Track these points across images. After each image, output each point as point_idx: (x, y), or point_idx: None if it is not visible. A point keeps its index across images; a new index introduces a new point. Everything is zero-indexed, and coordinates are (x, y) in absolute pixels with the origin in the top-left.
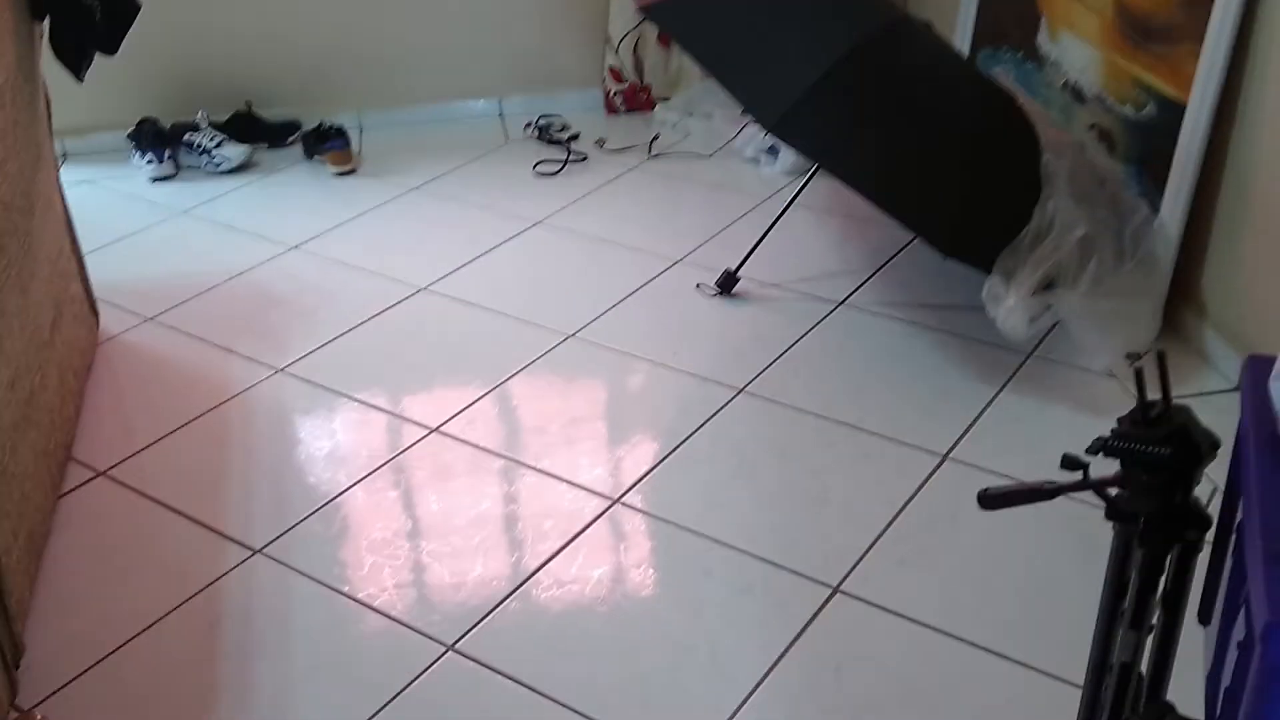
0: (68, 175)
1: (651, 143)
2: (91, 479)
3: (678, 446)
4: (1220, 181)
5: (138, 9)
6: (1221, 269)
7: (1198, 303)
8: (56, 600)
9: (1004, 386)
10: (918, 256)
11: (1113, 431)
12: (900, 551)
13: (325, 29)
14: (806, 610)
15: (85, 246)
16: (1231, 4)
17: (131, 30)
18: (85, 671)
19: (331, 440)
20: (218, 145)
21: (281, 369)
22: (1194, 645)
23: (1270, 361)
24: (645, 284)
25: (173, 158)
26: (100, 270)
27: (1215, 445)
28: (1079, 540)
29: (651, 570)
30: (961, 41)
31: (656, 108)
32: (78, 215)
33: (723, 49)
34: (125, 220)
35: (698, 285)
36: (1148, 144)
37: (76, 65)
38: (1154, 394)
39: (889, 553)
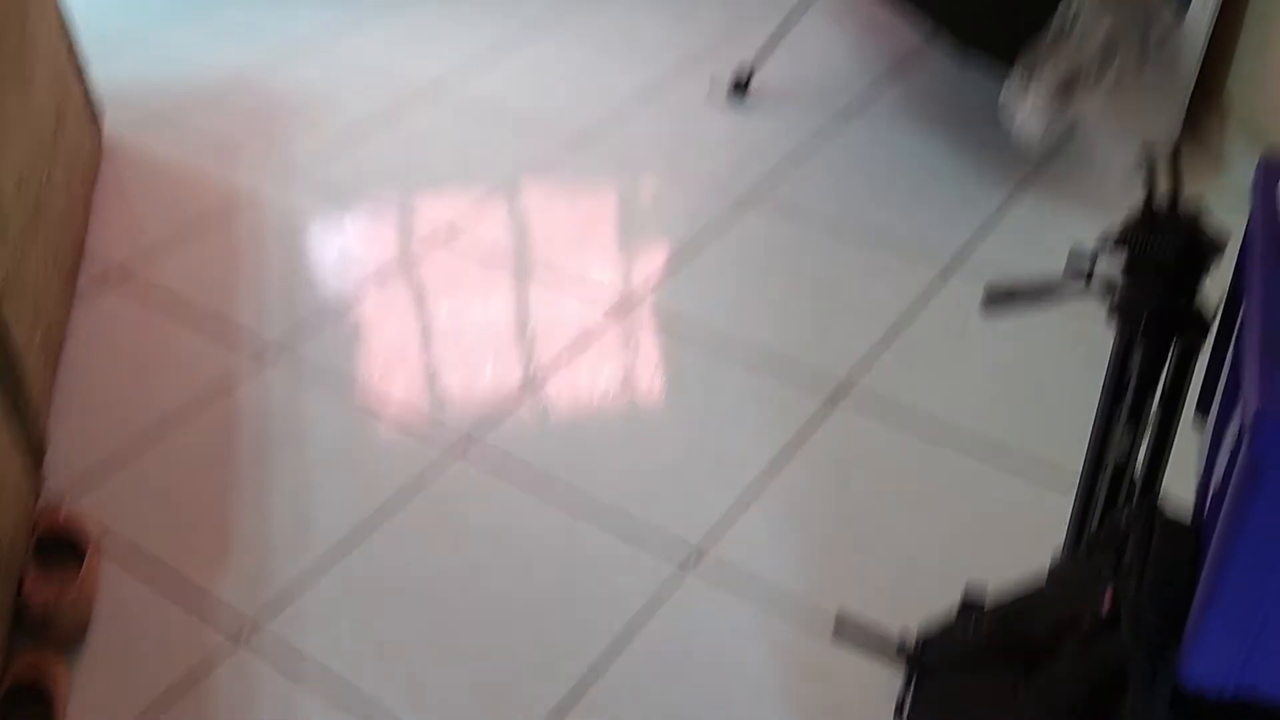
0: None
1: None
2: (104, 282)
3: (687, 254)
4: None
5: None
6: (1248, 70)
7: (1220, 106)
8: (76, 400)
9: (1018, 192)
10: (936, 63)
11: (1120, 225)
12: (908, 356)
13: None
14: (812, 413)
15: (84, 47)
16: None
17: None
18: (107, 467)
19: (340, 245)
20: None
21: (290, 171)
22: (1190, 449)
23: None
24: (658, 86)
25: None
26: (101, 72)
27: (1222, 242)
28: (1086, 349)
29: (659, 375)
30: None
31: None
32: (75, 8)
33: None
34: (125, 20)
35: (710, 86)
36: None
37: None
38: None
39: (897, 357)
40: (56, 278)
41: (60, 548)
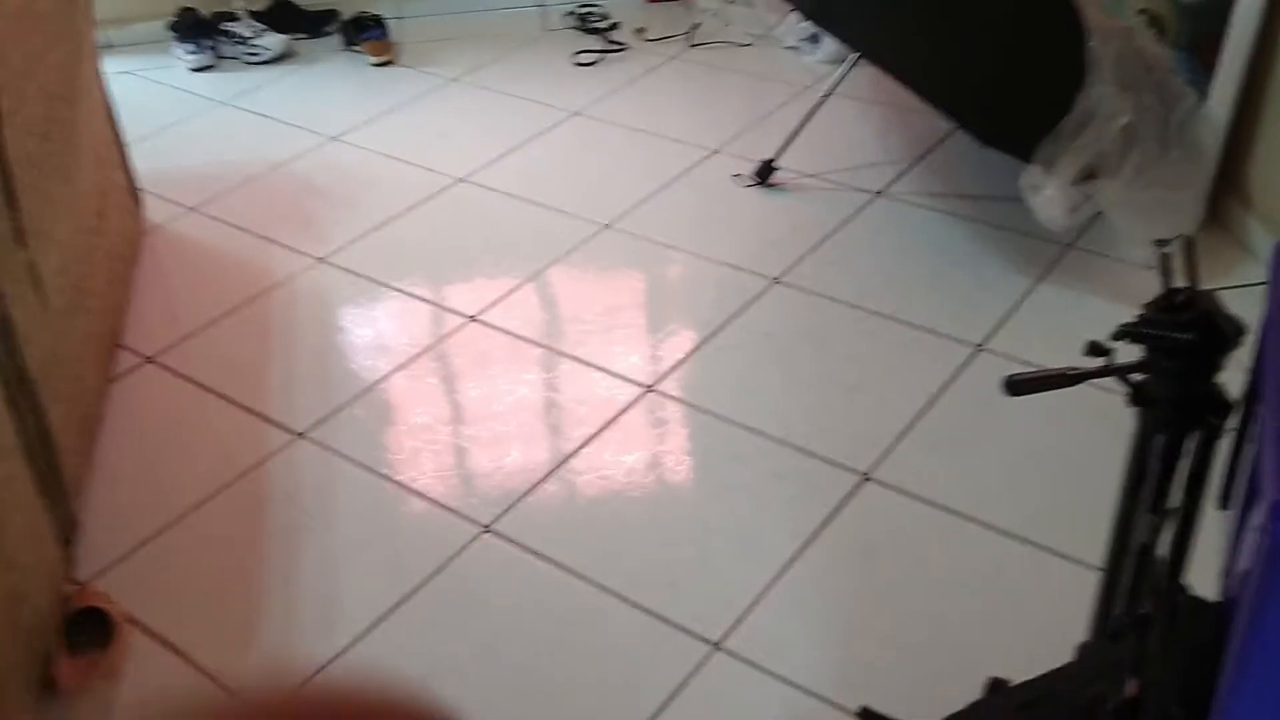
0: (109, 66)
1: (692, 31)
2: (141, 365)
3: (712, 335)
4: (1272, 67)
5: None
6: (1269, 158)
7: (1243, 193)
8: (109, 480)
9: (1042, 278)
10: (958, 146)
11: (1137, 317)
12: (931, 439)
13: None
14: (836, 495)
15: (127, 137)
16: None
17: None
18: (137, 548)
19: (373, 328)
20: (256, 35)
21: (322, 258)
22: (1216, 534)
23: None
24: (683, 174)
25: (212, 48)
26: (143, 161)
27: (1240, 331)
28: (1108, 430)
29: (684, 456)
30: None
31: None
32: (119, 106)
33: None
34: (166, 111)
35: (735, 175)
36: (1199, 28)
37: None
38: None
39: (920, 440)
40: (95, 360)
41: (90, 626)
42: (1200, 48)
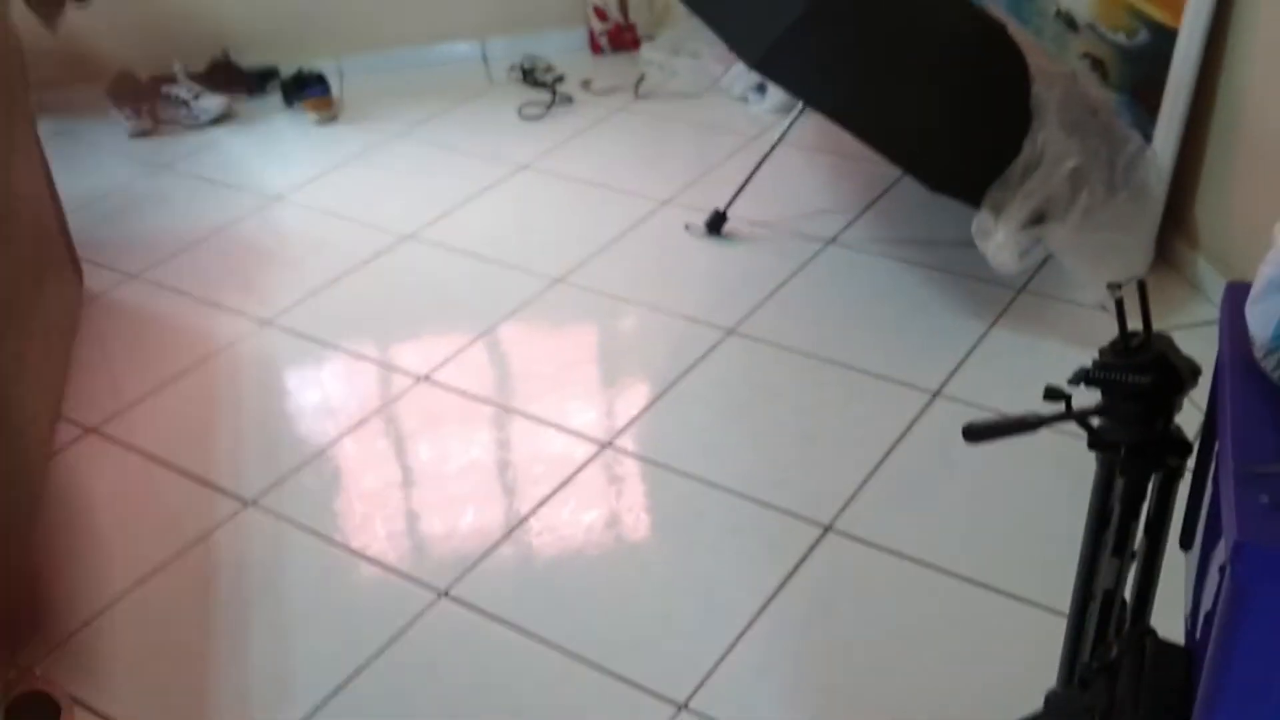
0: (46, 129)
1: (638, 83)
2: (82, 436)
3: (668, 389)
4: (1213, 109)
5: None
6: (1214, 198)
7: (1190, 232)
8: (51, 557)
9: (995, 322)
10: (907, 193)
11: (1094, 361)
12: (892, 488)
13: None
14: (798, 548)
15: (66, 204)
16: None
17: None
18: (82, 626)
19: (320, 391)
20: (196, 97)
21: (267, 321)
22: (1179, 574)
23: (1248, 288)
24: (633, 226)
25: (150, 111)
26: (83, 227)
27: (1195, 372)
28: (1067, 475)
29: (643, 513)
30: None
31: (642, 47)
32: (57, 172)
33: None
34: (106, 176)
35: (686, 226)
36: (1140, 72)
37: (49, 15)
38: (1136, 324)
39: (880, 489)
40: (35, 432)
41: (34, 710)
42: (1142, 91)
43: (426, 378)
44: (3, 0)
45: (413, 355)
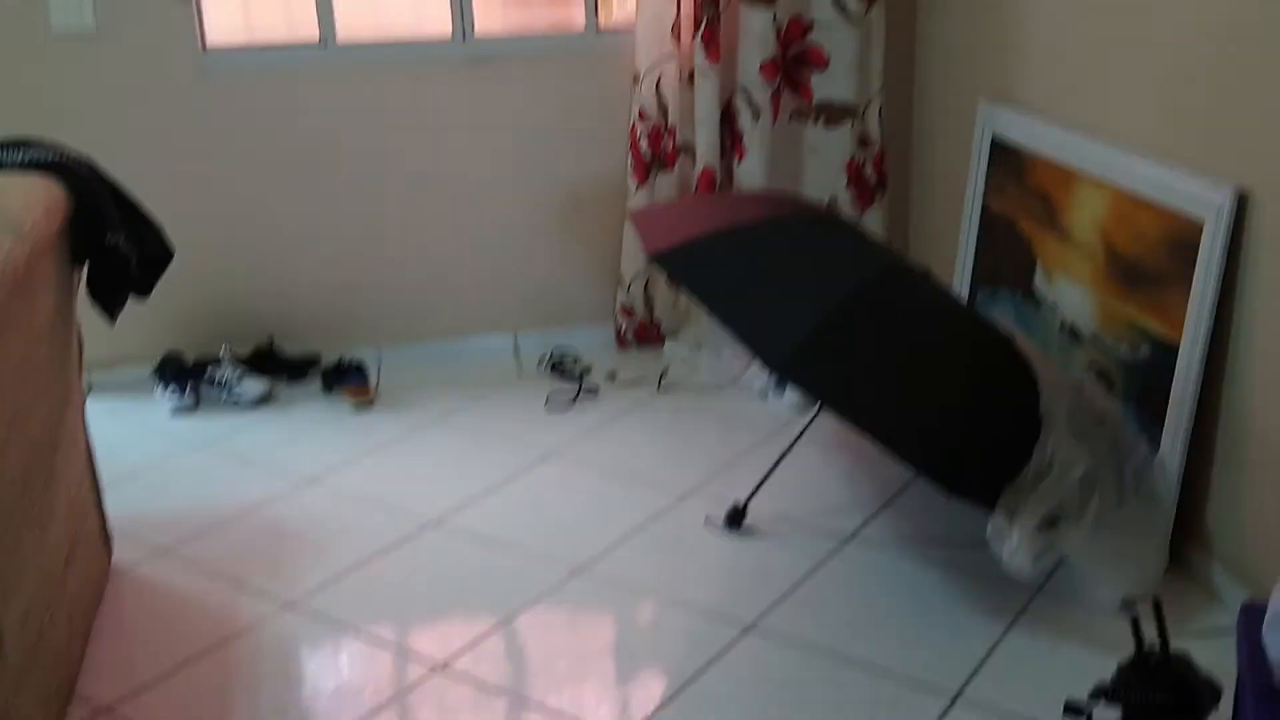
0: (92, 406)
1: (661, 376)
2: (93, 717)
3: (685, 686)
4: (1217, 419)
5: (171, 256)
6: (1225, 505)
7: (1204, 539)
8: None
9: (1013, 623)
10: (924, 491)
11: (1113, 679)
12: None
13: (344, 268)
14: None
15: (104, 478)
16: (1215, 249)
17: None
18: None
19: (336, 678)
20: (239, 379)
21: (290, 602)
22: None
23: (1263, 610)
24: (654, 518)
25: (194, 391)
26: (117, 502)
27: (1216, 694)
28: None
29: None
30: (961, 282)
31: (666, 343)
32: (99, 446)
33: (727, 294)
34: (145, 452)
35: (706, 519)
36: (1144, 383)
37: (111, 308)
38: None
39: None
40: (46, 713)
41: None
42: (1147, 401)
43: (444, 665)
44: (69, 294)
45: (431, 643)
